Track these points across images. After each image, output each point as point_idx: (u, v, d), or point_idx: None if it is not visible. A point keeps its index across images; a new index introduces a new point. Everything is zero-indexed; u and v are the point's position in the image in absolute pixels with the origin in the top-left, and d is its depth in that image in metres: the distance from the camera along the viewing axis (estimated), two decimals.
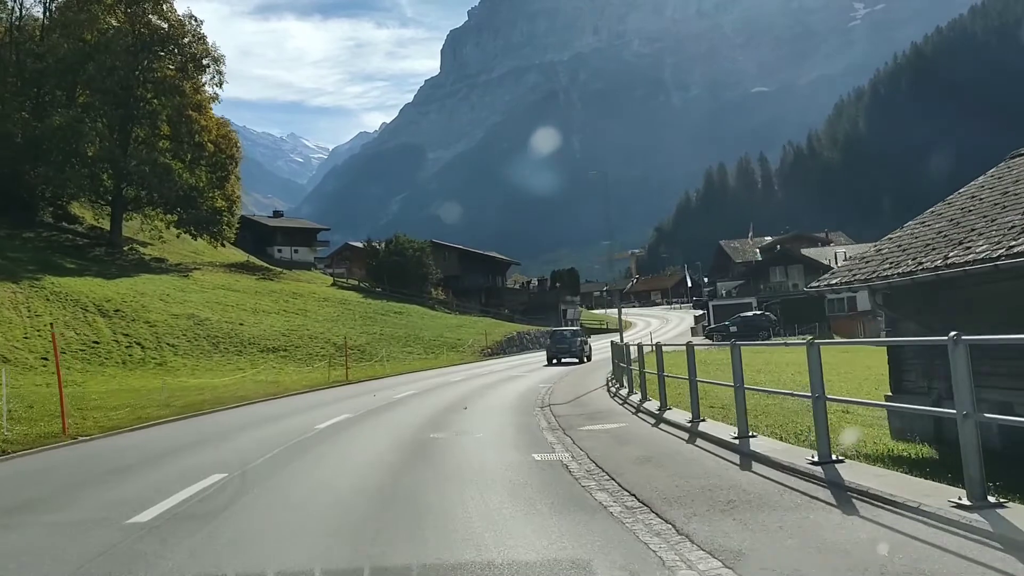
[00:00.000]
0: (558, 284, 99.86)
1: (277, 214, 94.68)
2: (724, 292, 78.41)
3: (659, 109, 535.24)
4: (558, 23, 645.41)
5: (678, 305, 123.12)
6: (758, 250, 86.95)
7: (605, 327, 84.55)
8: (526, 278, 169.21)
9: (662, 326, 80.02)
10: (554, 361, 40.95)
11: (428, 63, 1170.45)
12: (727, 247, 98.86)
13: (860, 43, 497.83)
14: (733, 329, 50.23)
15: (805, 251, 70.56)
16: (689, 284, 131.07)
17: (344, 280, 73.17)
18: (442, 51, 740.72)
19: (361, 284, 70.93)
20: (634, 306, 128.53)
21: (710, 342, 46.67)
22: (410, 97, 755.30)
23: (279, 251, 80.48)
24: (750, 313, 55.77)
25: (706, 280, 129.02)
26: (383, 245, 75.08)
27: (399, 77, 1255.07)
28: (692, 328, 72.45)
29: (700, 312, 76.96)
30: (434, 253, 75.78)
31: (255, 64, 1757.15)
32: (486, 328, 55.65)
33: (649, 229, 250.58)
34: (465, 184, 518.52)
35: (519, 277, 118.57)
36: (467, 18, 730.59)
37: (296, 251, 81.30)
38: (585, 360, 41.44)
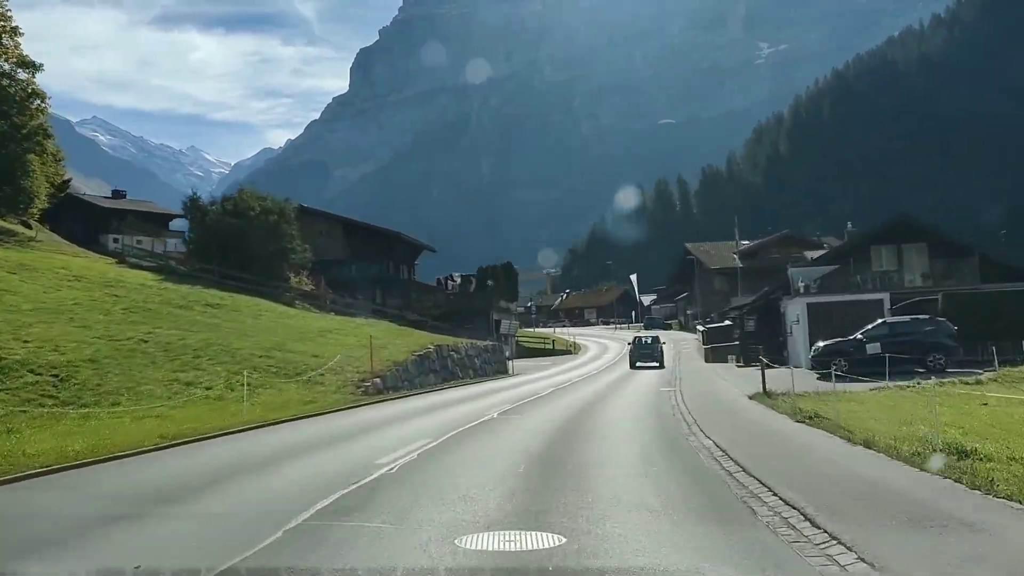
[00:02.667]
0: (489, 283, 70.94)
1: (118, 194, 74.32)
2: (709, 315, 66.05)
3: (570, 136, 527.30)
4: (471, 47, 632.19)
5: (616, 325, 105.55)
6: (736, 255, 72.51)
7: (550, 347, 67.49)
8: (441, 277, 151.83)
9: (624, 348, 63.60)
10: (637, 365, 44.85)
11: (336, 82, 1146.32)
12: (697, 251, 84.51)
13: (764, 80, 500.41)
14: (874, 351, 28.27)
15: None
16: (640, 301, 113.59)
17: (150, 260, 50.46)
18: (351, 69, 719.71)
19: (174, 264, 47.87)
20: (564, 325, 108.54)
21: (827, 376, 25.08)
22: (316, 115, 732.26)
23: (114, 240, 61.20)
24: (904, 319, 30.31)
25: (651, 299, 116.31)
26: (218, 205, 49.20)
27: (306, 95, 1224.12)
28: (708, 351, 50.23)
29: (703, 328, 58.36)
30: (303, 223, 51.36)
31: (154, 74, 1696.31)
32: (380, 338, 31.48)
33: (562, 251, 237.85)
34: (371, 204, 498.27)
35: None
36: (378, 37, 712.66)
37: (139, 241, 62.31)
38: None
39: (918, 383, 22.09)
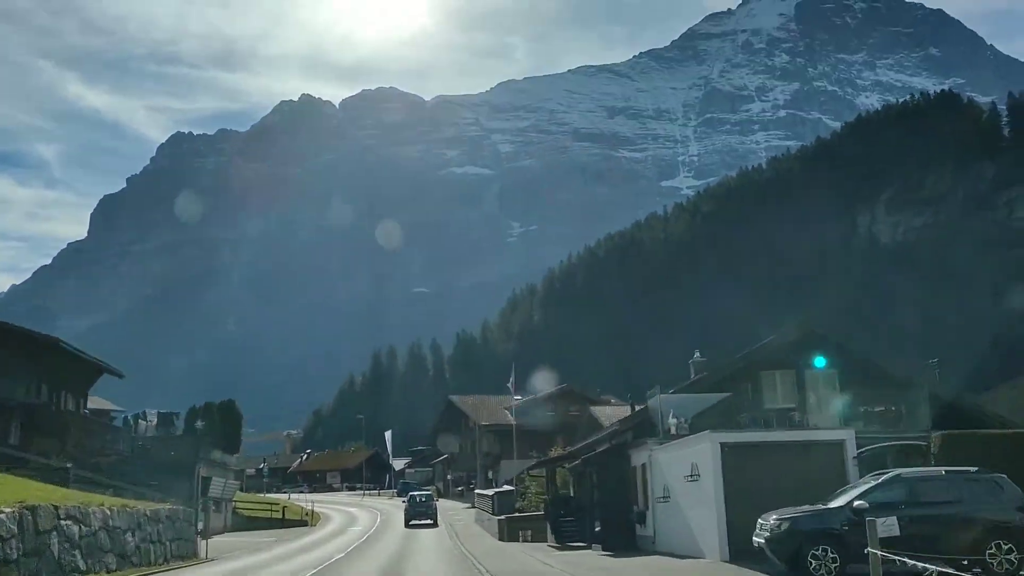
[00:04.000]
0: (199, 424, 55.97)
1: None
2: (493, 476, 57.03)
3: (323, 298, 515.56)
4: (226, 201, 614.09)
5: (364, 491, 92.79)
6: (508, 410, 63.66)
7: (279, 516, 52.18)
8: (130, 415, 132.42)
9: (376, 520, 50.43)
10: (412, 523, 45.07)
11: (74, 228, 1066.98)
12: (463, 405, 74.57)
13: (514, 257, 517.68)
14: (889, 533, 14.35)
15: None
16: (392, 465, 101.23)
17: None
18: (92, 215, 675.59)
19: None
20: (302, 490, 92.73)
21: None
22: (48, 260, 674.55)
23: None
24: (932, 472, 17.57)
25: (404, 463, 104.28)
26: None
27: (37, 239, 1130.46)
28: (503, 524, 37.73)
29: (493, 492, 46.10)
30: None
31: None
32: None
33: (306, 414, 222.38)
34: (101, 356, 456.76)
35: None
36: (125, 185, 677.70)
37: None
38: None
39: None
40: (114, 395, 57.23)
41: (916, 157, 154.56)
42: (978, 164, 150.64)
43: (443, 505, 56.86)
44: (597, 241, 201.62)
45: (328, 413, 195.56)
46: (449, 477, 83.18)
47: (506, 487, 46.96)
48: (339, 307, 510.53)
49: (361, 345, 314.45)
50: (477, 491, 56.55)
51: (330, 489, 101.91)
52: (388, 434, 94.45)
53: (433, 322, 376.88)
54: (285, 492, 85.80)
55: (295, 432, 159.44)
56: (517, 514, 38.71)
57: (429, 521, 45.63)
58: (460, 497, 72.77)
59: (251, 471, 68.28)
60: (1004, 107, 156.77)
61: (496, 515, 40.35)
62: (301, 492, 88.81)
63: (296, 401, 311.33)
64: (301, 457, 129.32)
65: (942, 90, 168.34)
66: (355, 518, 54.13)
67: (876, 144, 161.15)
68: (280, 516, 51.75)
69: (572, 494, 33.43)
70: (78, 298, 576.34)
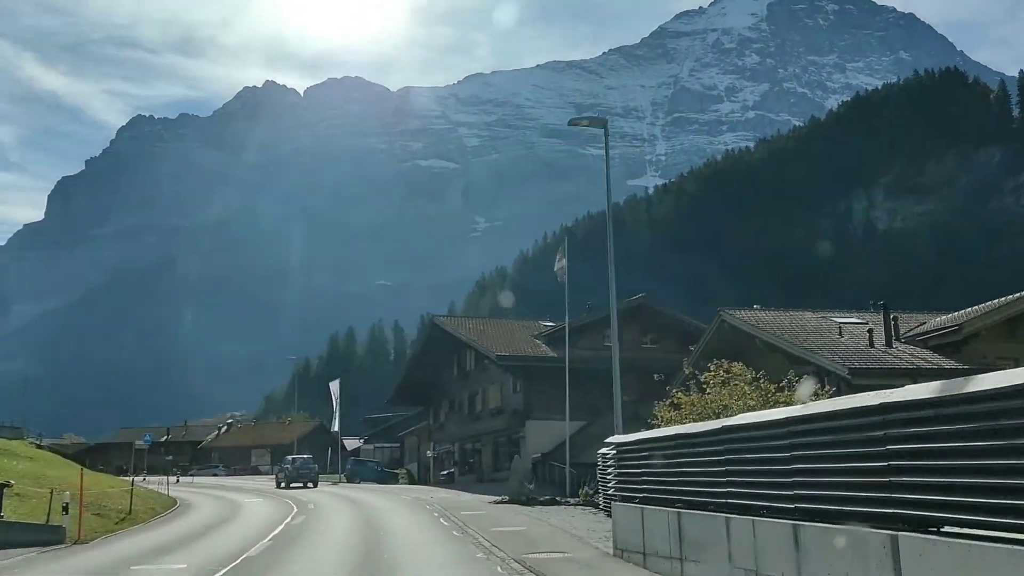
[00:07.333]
0: None
1: None
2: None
3: (281, 289, 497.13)
4: (184, 188, 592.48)
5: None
6: (542, 339, 43.13)
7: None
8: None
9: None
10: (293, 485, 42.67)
11: (30, 211, 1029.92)
12: (458, 329, 49.36)
13: (476, 252, 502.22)
14: None
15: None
16: (341, 441, 66.47)
17: None
18: (50, 196, 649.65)
19: None
20: (216, 473, 70.60)
21: None
22: (3, 242, 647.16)
23: None
24: None
25: (359, 443, 74.25)
26: None
27: None
28: None
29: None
30: None
31: None
32: None
33: (258, 401, 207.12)
34: (52, 345, 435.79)
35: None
36: (84, 167, 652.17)
37: None
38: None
39: None
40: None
41: (917, 139, 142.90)
42: (984, 148, 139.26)
43: (421, 500, 30.80)
44: (576, 220, 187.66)
45: (281, 397, 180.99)
46: (431, 454, 56.21)
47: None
48: (298, 298, 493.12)
49: (320, 336, 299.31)
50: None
51: (255, 472, 75.55)
52: (334, 385, 62.00)
53: (395, 316, 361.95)
54: (188, 474, 63.33)
55: (240, 415, 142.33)
56: None
57: (311, 484, 43.44)
58: (449, 484, 47.29)
59: (138, 443, 44.03)
60: (1015, 89, 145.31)
61: None
62: (216, 475, 68.51)
63: (250, 391, 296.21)
64: (218, 428, 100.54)
65: (947, 67, 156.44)
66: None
67: (875, 125, 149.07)
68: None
69: None
70: (32, 282, 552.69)
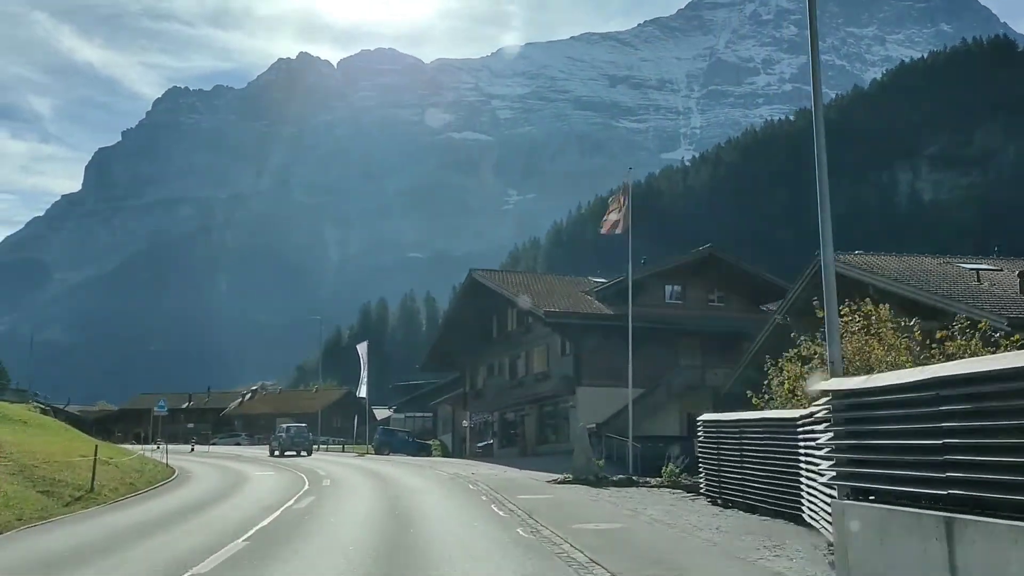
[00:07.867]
0: None
1: None
2: None
3: (316, 260, 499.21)
4: (219, 159, 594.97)
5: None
6: (593, 294, 40.89)
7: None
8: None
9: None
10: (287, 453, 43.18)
11: (67, 183, 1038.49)
12: (500, 284, 44.83)
13: (508, 225, 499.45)
14: None
15: None
16: (371, 410, 63.01)
17: None
18: (87, 167, 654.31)
19: None
20: (239, 442, 67.39)
21: None
22: (41, 213, 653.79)
23: None
24: None
25: (389, 412, 73.21)
26: None
27: (30, 193, 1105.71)
28: None
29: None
30: None
31: None
32: None
33: (291, 371, 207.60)
34: (90, 313, 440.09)
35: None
36: (120, 139, 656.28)
37: None
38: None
39: None
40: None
41: (965, 109, 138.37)
42: None
43: (454, 485, 23.75)
44: (610, 191, 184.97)
45: (314, 367, 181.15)
46: (466, 424, 51.45)
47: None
48: (332, 269, 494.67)
49: (352, 306, 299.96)
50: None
51: None
52: (362, 347, 57.05)
53: (427, 287, 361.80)
54: (209, 443, 64.05)
55: (271, 383, 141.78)
56: None
57: (305, 453, 44.62)
58: (487, 456, 43.18)
59: (157, 409, 42.49)
60: None
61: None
62: (239, 444, 66.14)
63: (285, 360, 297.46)
64: (242, 395, 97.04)
65: (995, 35, 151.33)
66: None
67: (919, 95, 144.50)
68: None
69: None
70: (71, 251, 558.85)
